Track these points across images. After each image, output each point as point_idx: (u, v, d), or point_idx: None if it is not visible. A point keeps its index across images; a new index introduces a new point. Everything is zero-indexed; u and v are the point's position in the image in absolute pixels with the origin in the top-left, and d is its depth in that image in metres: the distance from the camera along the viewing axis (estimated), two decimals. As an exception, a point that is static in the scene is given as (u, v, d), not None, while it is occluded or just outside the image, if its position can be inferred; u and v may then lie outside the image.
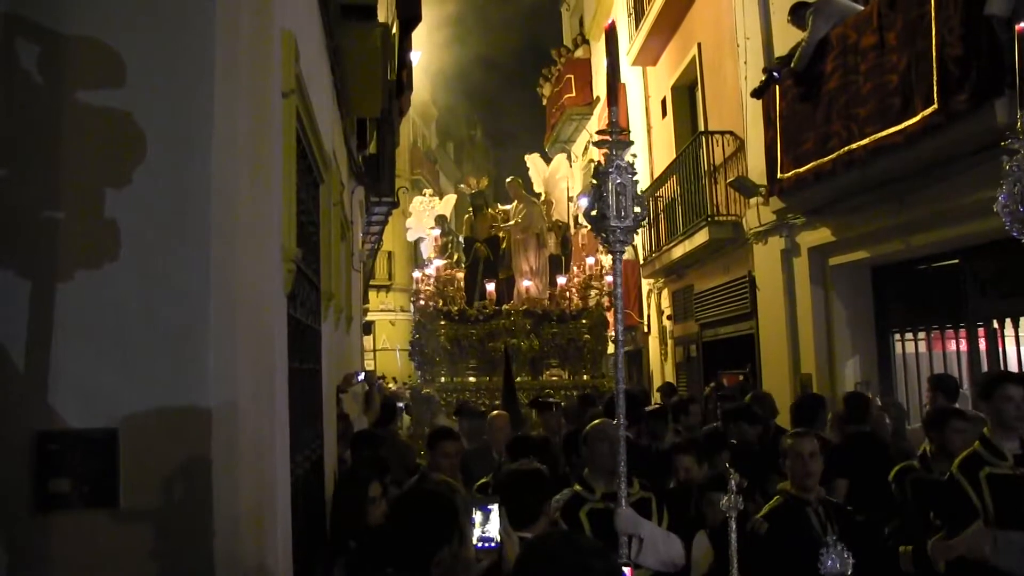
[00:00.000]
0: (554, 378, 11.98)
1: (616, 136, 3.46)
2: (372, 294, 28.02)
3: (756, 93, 9.27)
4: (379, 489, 3.83)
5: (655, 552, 3.70)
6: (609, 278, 13.49)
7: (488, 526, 2.71)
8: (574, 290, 12.39)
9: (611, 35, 3.74)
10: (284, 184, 3.34)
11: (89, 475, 2.07)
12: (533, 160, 14.65)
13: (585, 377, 11.98)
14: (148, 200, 2.19)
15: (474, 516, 2.70)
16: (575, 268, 12.86)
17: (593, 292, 12.43)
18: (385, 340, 30.66)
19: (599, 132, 3.53)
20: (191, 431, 2.16)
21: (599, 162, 3.49)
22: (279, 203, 3.27)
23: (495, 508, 2.73)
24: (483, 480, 5.12)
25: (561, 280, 12.50)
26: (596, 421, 4.36)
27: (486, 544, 2.69)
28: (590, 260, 12.80)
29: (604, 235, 3.48)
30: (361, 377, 7.34)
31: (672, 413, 7.62)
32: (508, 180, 13.31)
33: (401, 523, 2.60)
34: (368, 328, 25.53)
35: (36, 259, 2.13)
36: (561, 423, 7.98)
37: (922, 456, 5.16)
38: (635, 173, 3.50)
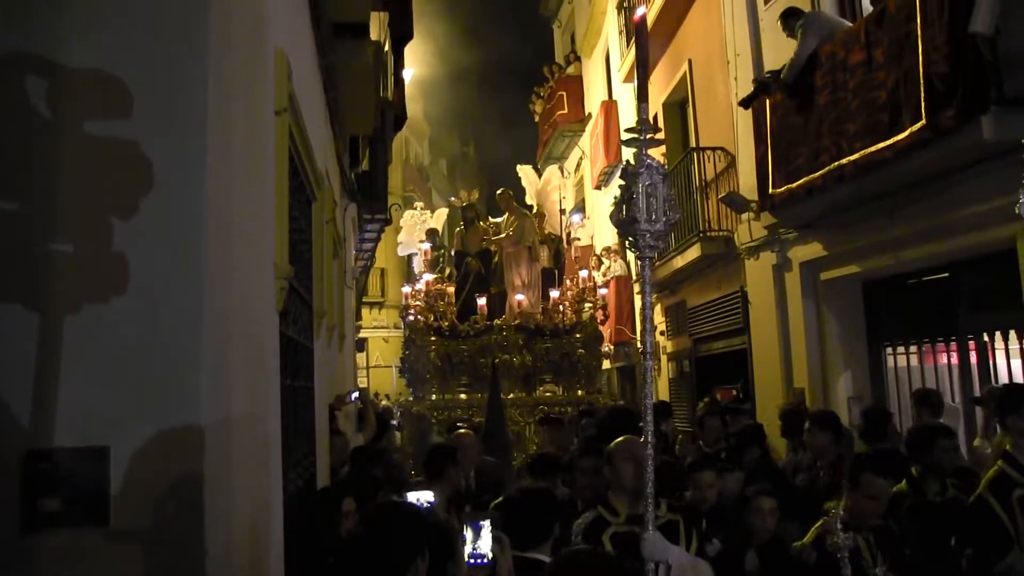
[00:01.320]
0: (548, 394, 11.74)
1: (646, 135, 3.27)
2: (365, 311, 28.03)
3: (745, 103, 9.33)
4: (352, 504, 3.78)
5: None
6: (603, 291, 13.49)
7: (479, 542, 2.71)
8: (567, 304, 12.22)
9: (641, 28, 3.61)
10: (277, 202, 3.36)
11: (80, 494, 2.06)
12: (525, 171, 14.51)
13: (580, 392, 11.73)
14: (140, 218, 2.20)
15: (465, 533, 2.70)
16: (568, 281, 12.66)
17: (587, 306, 12.28)
18: (378, 357, 30.61)
19: (628, 130, 3.35)
20: (183, 449, 2.16)
21: (627, 162, 3.31)
22: (272, 221, 3.28)
23: (486, 524, 2.73)
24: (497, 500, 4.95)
25: (554, 294, 12.29)
26: (620, 439, 4.05)
27: (478, 560, 2.69)
28: (583, 273, 12.67)
29: (633, 240, 3.29)
30: (355, 397, 7.30)
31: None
32: (499, 192, 13.12)
33: (372, 535, 2.61)
34: (361, 345, 25.51)
35: (28, 281, 2.14)
36: (572, 441, 7.84)
37: (909, 479, 4.88)
38: (666, 174, 3.30)
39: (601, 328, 12.76)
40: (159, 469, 2.14)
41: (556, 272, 12.92)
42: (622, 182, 3.31)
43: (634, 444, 3.81)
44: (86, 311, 2.14)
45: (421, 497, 3.76)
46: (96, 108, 2.19)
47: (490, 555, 2.70)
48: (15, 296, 2.11)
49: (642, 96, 3.39)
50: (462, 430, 6.43)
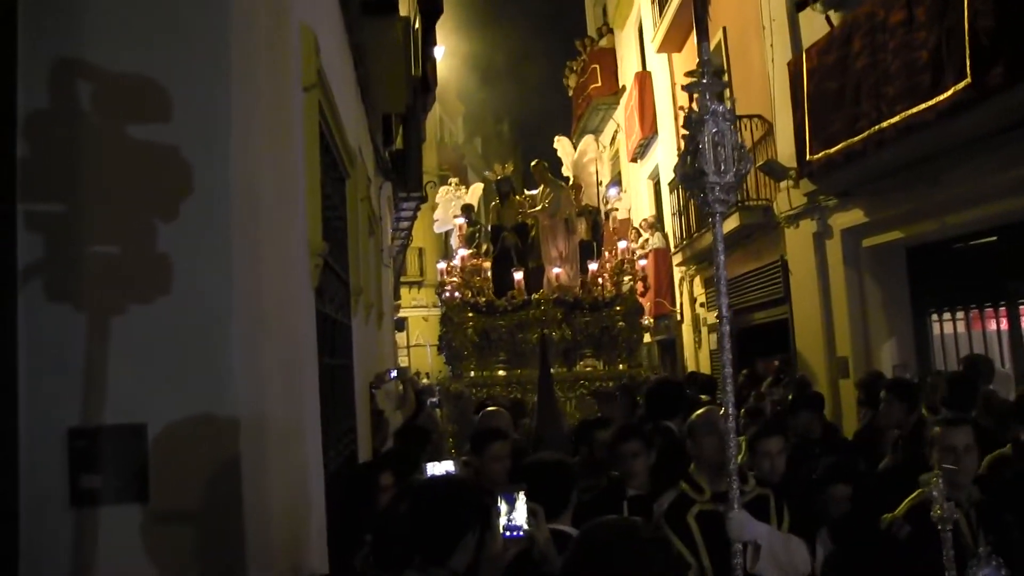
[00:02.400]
0: (588, 368, 11.46)
1: (709, 77, 2.97)
2: (404, 291, 28.13)
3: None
4: (390, 479, 3.72)
5: (775, 560, 3.21)
6: (643, 262, 13.16)
7: (514, 514, 2.69)
8: (607, 276, 11.82)
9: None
10: (308, 178, 3.34)
11: (119, 471, 2.09)
12: (561, 143, 14.08)
13: (621, 367, 11.40)
14: (169, 198, 2.20)
15: (500, 505, 2.68)
16: (607, 253, 12.28)
17: (627, 278, 11.92)
18: (419, 336, 30.75)
19: (688, 74, 3.05)
20: (219, 427, 2.17)
21: (691, 109, 3.02)
22: (303, 198, 3.27)
23: (521, 496, 2.71)
24: None
25: (592, 267, 11.93)
26: (702, 411, 3.82)
27: (513, 533, 2.67)
28: (622, 244, 12.34)
29: (702, 195, 3.01)
30: (394, 375, 7.31)
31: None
32: (533, 163, 12.79)
33: (421, 511, 2.58)
34: (401, 324, 25.64)
35: (68, 259, 2.15)
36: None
37: (1015, 444, 4.47)
38: (734, 120, 3.01)
39: (641, 300, 12.51)
40: (197, 447, 2.16)
41: (594, 244, 12.52)
42: (685, 132, 3.05)
43: (716, 416, 3.58)
44: (122, 298, 2.15)
45: (440, 469, 3.74)
46: (118, 90, 2.19)
47: (525, 527, 2.69)
48: (58, 277, 2.13)
49: (702, 34, 3.08)
50: (491, 408, 6.25)
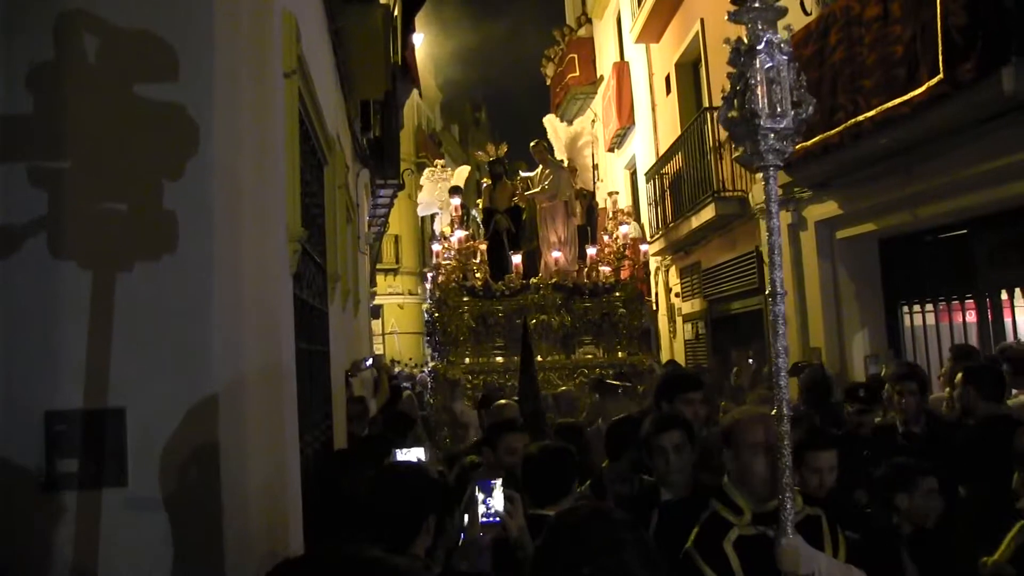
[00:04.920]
0: (587, 356, 11.07)
1: (762, 1, 2.48)
2: (380, 278, 28.08)
3: None
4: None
5: None
6: (644, 247, 12.68)
7: (492, 500, 2.73)
8: (609, 260, 11.42)
9: None
10: (288, 164, 3.34)
11: (97, 455, 2.09)
12: (551, 122, 13.48)
13: (620, 355, 11.04)
14: (150, 181, 2.19)
15: (476, 493, 2.73)
16: (606, 238, 11.89)
17: (627, 263, 11.55)
18: (394, 324, 30.71)
19: (735, 1, 2.59)
20: (198, 411, 2.17)
21: (739, 39, 2.53)
22: (283, 183, 3.27)
23: (498, 483, 2.75)
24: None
25: (591, 251, 11.54)
26: (741, 410, 3.17)
27: (490, 519, 2.72)
28: (624, 228, 11.90)
29: (752, 144, 2.52)
30: (369, 363, 7.31)
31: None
32: (532, 143, 12.18)
33: (381, 498, 2.63)
34: (376, 312, 25.58)
35: (47, 240, 2.14)
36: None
37: None
38: (791, 54, 2.52)
39: (642, 287, 12.07)
40: (175, 431, 2.16)
41: (589, 229, 12.23)
42: (731, 70, 2.58)
43: (763, 418, 2.89)
44: (102, 281, 2.15)
45: (411, 455, 3.78)
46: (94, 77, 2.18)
47: (502, 511, 2.73)
48: (31, 259, 2.12)
49: None
50: (503, 401, 6.12)
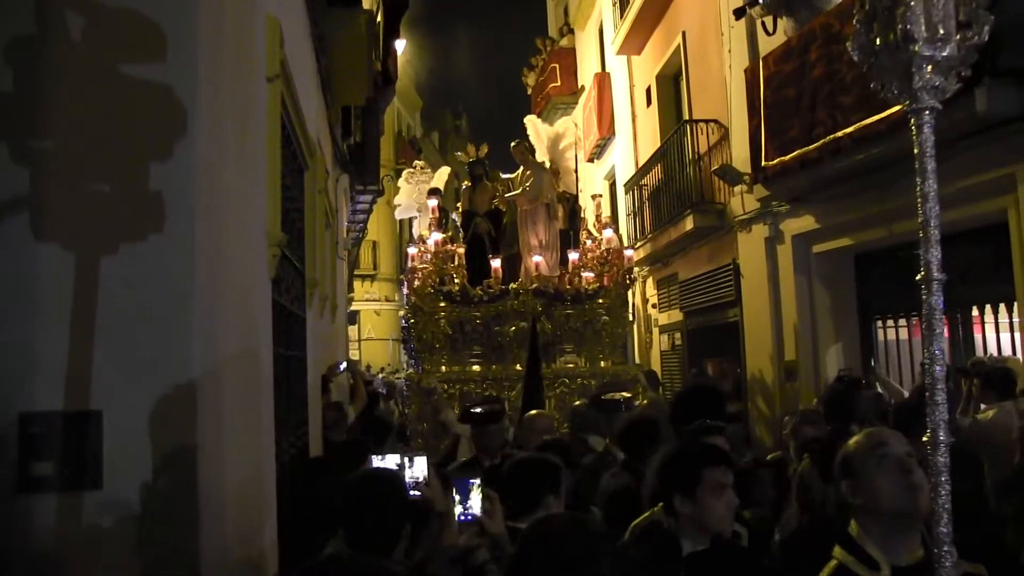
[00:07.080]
0: (569, 365, 10.63)
1: None
2: (357, 283, 28.00)
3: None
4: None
5: None
6: (629, 252, 12.39)
7: (469, 501, 2.74)
8: (593, 265, 10.94)
9: None
10: (269, 169, 3.33)
11: (72, 458, 2.06)
12: (533, 122, 12.90)
13: (603, 364, 10.60)
14: (131, 182, 2.18)
15: (454, 493, 2.74)
16: (589, 242, 11.40)
17: (613, 268, 10.99)
18: (370, 330, 30.63)
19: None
20: (176, 414, 2.16)
21: None
22: (263, 187, 3.26)
23: (475, 482, 2.77)
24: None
25: (573, 256, 11.11)
26: (869, 432, 2.48)
27: (467, 518, 2.75)
28: (608, 233, 11.39)
29: (904, 80, 1.93)
30: (343, 367, 7.27)
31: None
32: (513, 144, 11.71)
33: (363, 505, 2.62)
34: (353, 318, 25.51)
35: (13, 237, 2.12)
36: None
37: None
38: None
39: (627, 294, 11.59)
40: (152, 434, 2.14)
41: (571, 234, 11.70)
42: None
43: (901, 440, 2.32)
44: (80, 282, 2.13)
45: (387, 463, 3.76)
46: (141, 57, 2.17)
47: (478, 512, 2.75)
48: (8, 254, 2.10)
49: None
50: (534, 412, 5.89)
